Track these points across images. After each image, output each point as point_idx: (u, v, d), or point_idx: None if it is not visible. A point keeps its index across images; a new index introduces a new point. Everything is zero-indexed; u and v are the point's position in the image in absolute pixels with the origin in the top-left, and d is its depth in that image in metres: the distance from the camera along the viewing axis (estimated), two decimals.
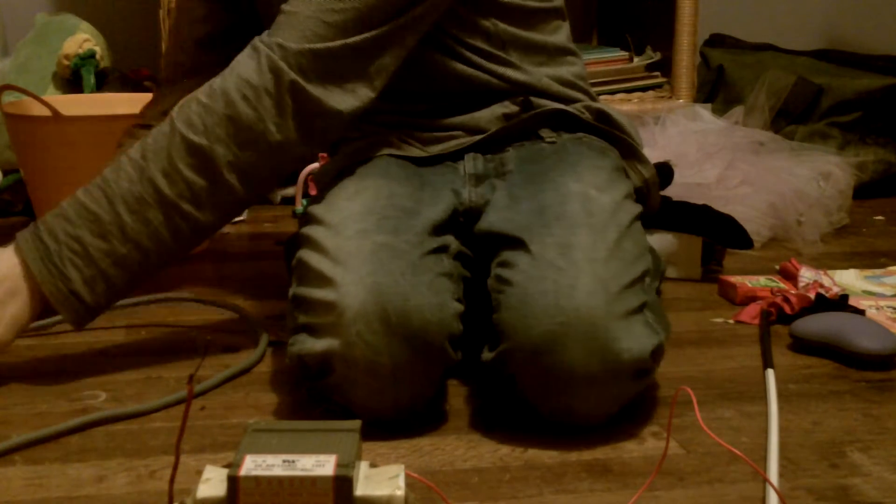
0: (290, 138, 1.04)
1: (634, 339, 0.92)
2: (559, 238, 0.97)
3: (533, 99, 1.19)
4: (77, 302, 1.04)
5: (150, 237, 1.04)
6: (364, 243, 0.96)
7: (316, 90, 1.03)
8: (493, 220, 1.05)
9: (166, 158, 1.03)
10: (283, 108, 1.03)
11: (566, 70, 1.23)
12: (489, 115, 1.17)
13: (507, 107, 1.18)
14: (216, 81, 1.05)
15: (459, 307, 0.96)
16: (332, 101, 1.04)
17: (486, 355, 0.97)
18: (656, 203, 1.26)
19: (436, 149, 1.17)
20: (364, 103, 1.07)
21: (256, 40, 1.05)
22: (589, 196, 1.03)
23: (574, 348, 0.91)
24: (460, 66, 1.16)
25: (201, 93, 1.05)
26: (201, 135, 1.03)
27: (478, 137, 1.16)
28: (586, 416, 0.95)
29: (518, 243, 0.98)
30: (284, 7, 1.06)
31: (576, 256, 0.95)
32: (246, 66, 1.04)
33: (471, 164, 1.16)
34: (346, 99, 1.05)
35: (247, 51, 1.05)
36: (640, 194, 1.20)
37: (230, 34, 1.29)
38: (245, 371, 1.13)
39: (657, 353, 0.95)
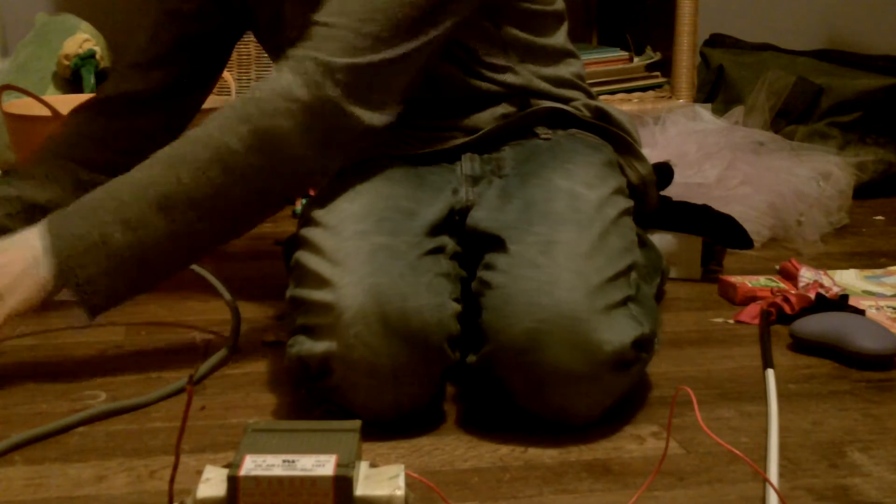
0: (322, 153, 1.04)
1: (615, 331, 0.92)
2: (542, 236, 0.97)
3: (532, 100, 1.19)
4: (92, 289, 1.03)
5: (169, 237, 1.03)
6: (362, 244, 0.96)
7: (353, 107, 1.03)
8: (479, 217, 1.05)
9: (193, 161, 1.02)
10: (317, 124, 1.02)
11: (565, 70, 1.23)
12: (488, 117, 1.18)
13: (505, 108, 1.18)
14: (254, 91, 1.04)
15: (458, 307, 0.96)
16: (366, 118, 1.04)
17: (471, 358, 0.97)
18: (654, 201, 1.26)
19: (434, 147, 1.16)
20: (393, 118, 1.07)
21: (295, 52, 1.04)
22: (576, 193, 1.03)
23: (555, 344, 0.91)
24: (462, 76, 1.16)
25: (238, 99, 1.04)
26: (234, 142, 1.02)
27: (475, 136, 1.16)
28: (577, 414, 0.95)
29: (499, 244, 0.99)
30: (319, 18, 1.05)
31: (556, 253, 0.95)
32: (285, 80, 1.03)
33: (468, 164, 1.16)
34: (378, 115, 1.05)
35: (287, 64, 1.04)
36: (637, 192, 1.20)
37: (212, 38, 1.28)
38: (231, 351, 1.13)
39: (640, 345, 0.95)
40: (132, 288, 1.06)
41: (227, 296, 1.25)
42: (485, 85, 1.17)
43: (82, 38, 1.94)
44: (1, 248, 1.04)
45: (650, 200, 1.25)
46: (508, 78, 1.18)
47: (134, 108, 1.27)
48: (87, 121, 1.28)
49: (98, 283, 1.03)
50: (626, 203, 1.08)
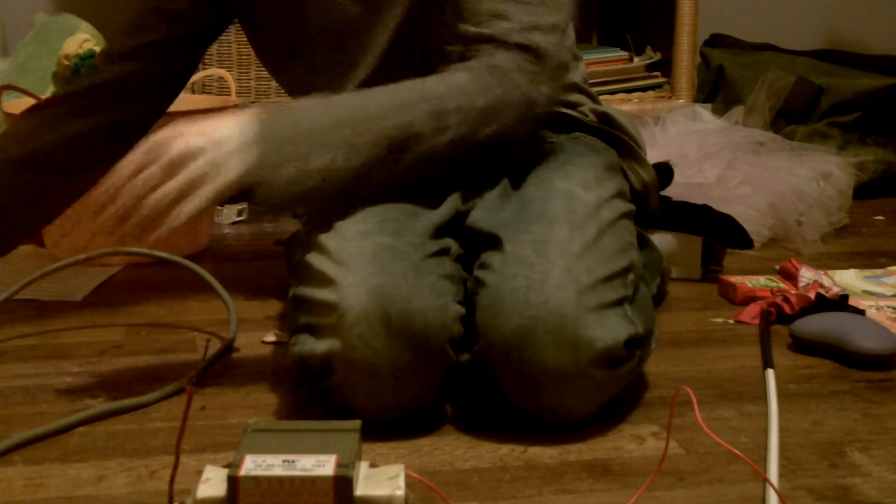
0: (513, 135, 1.06)
1: (606, 329, 0.92)
2: (536, 235, 0.97)
3: None
4: (285, 191, 0.98)
5: (389, 173, 1.01)
6: (365, 245, 0.96)
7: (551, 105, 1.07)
8: (477, 217, 1.05)
9: (429, 106, 1.01)
10: (532, 113, 1.05)
11: (573, 74, 1.23)
12: None
13: None
14: (486, 72, 1.03)
15: (460, 309, 0.96)
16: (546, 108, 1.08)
17: (464, 357, 0.97)
18: (656, 205, 1.26)
19: None
20: None
21: (498, 56, 1.03)
22: (573, 194, 1.03)
23: (544, 342, 0.91)
24: None
25: (468, 71, 1.03)
26: (466, 106, 1.01)
27: None
28: (569, 412, 0.95)
29: (495, 243, 0.98)
30: (485, 31, 1.04)
31: (549, 252, 0.95)
32: (505, 74, 1.03)
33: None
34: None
35: (497, 60, 1.03)
36: (639, 197, 1.20)
37: (199, 35, 1.24)
38: (228, 349, 1.13)
39: (633, 344, 0.95)
40: (323, 204, 1.03)
41: (225, 294, 1.25)
42: None
43: (82, 38, 1.94)
44: (206, 121, 0.98)
45: (652, 205, 1.25)
46: None
47: (105, 100, 1.21)
48: (48, 118, 1.20)
49: (295, 188, 0.98)
50: (625, 206, 1.08)
